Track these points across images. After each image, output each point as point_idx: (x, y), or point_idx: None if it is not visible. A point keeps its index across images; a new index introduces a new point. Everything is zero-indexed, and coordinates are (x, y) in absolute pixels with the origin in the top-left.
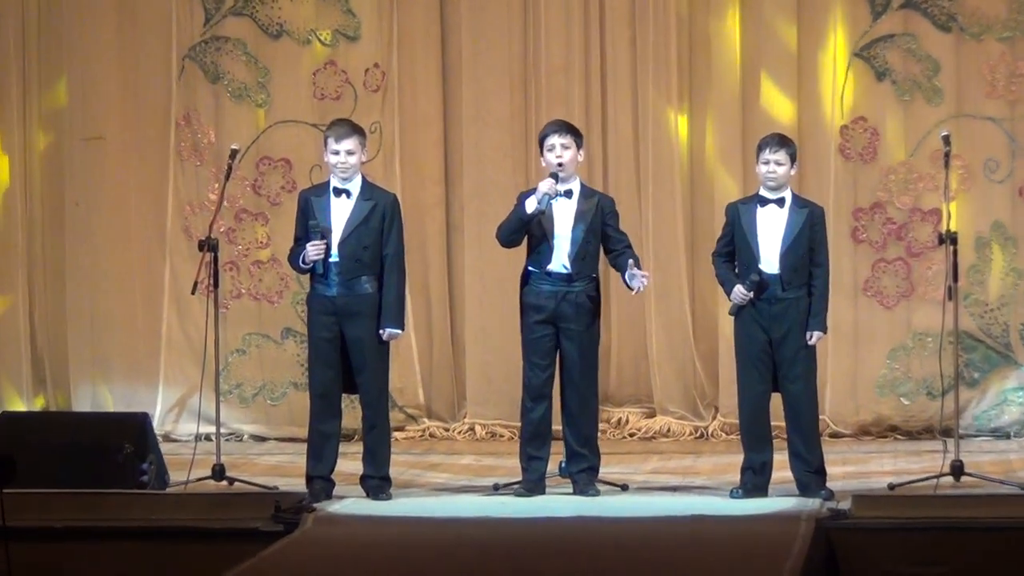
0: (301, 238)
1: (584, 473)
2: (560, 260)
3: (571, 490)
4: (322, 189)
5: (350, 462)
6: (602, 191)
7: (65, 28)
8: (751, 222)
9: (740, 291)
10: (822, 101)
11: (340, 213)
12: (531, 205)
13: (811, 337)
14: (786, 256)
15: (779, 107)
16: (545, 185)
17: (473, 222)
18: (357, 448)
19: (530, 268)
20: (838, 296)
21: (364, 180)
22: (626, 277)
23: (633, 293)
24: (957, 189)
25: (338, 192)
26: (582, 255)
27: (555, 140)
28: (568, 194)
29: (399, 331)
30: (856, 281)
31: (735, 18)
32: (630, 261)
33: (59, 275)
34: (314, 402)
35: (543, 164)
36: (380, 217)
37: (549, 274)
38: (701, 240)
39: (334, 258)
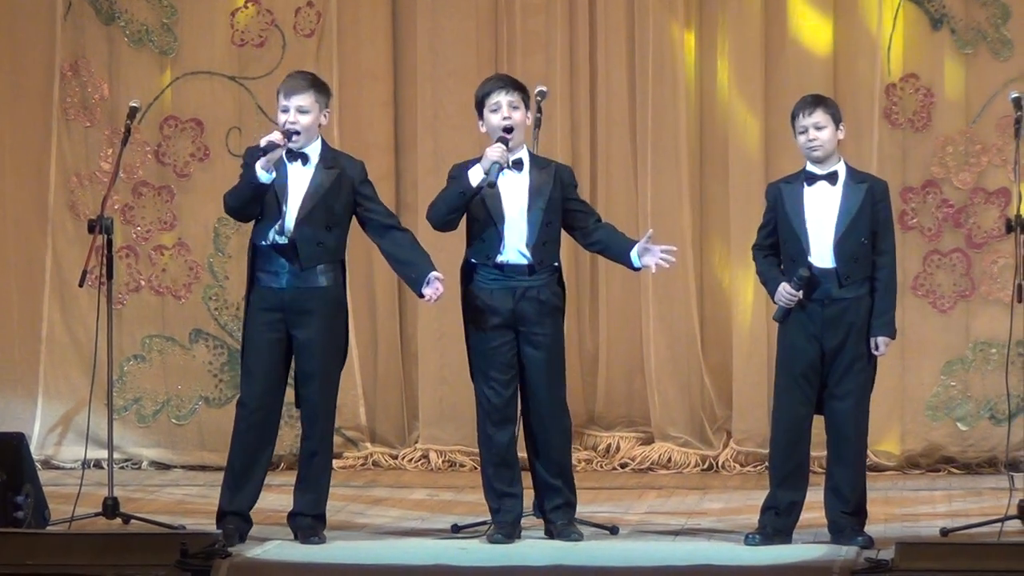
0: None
1: (560, 511)
2: (515, 248)
3: (547, 533)
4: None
5: (274, 495)
6: (587, 161)
7: None
8: (796, 205)
9: (786, 291)
10: (864, 54)
11: (298, 182)
12: (476, 176)
13: (876, 345)
14: (842, 245)
15: (813, 34)
16: (495, 152)
17: (429, 199)
18: (283, 479)
19: (474, 260)
20: None
21: (325, 145)
22: (632, 254)
23: (652, 270)
24: None
25: (292, 156)
26: (543, 240)
27: (501, 98)
28: (518, 166)
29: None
30: (904, 277)
31: None
32: (650, 232)
33: None
34: (243, 421)
35: (482, 129)
36: (349, 189)
37: (501, 267)
38: (713, 223)
39: (283, 239)
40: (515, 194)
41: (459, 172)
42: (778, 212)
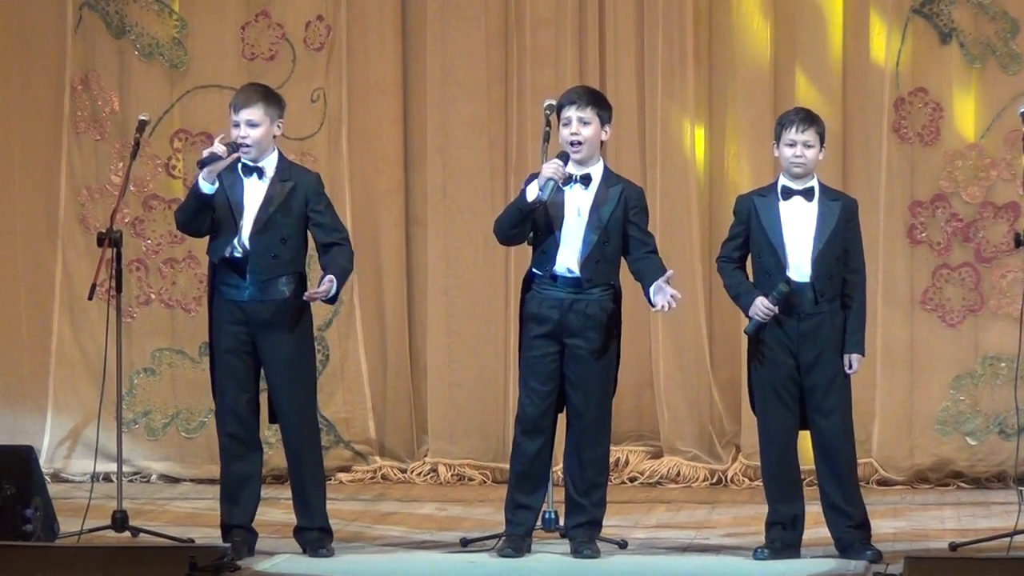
0: None
1: (581, 528)
2: (566, 262)
3: (557, 547)
4: (232, 165)
5: (282, 509)
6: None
7: None
8: (773, 219)
9: (763, 305)
10: (872, 68)
11: (253, 196)
12: (532, 192)
13: (850, 363)
14: (820, 260)
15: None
16: (550, 168)
17: (438, 214)
18: (289, 493)
19: (534, 270)
20: (890, 310)
21: (281, 158)
22: (650, 289)
23: (655, 310)
24: None
25: (248, 170)
26: (595, 258)
27: (572, 113)
28: (585, 181)
29: (334, 289)
30: (913, 292)
31: None
32: (669, 273)
33: None
34: (222, 433)
35: (560, 141)
36: (302, 202)
37: (554, 278)
38: (722, 238)
39: (238, 251)
40: (576, 208)
41: (528, 182)
42: (752, 225)
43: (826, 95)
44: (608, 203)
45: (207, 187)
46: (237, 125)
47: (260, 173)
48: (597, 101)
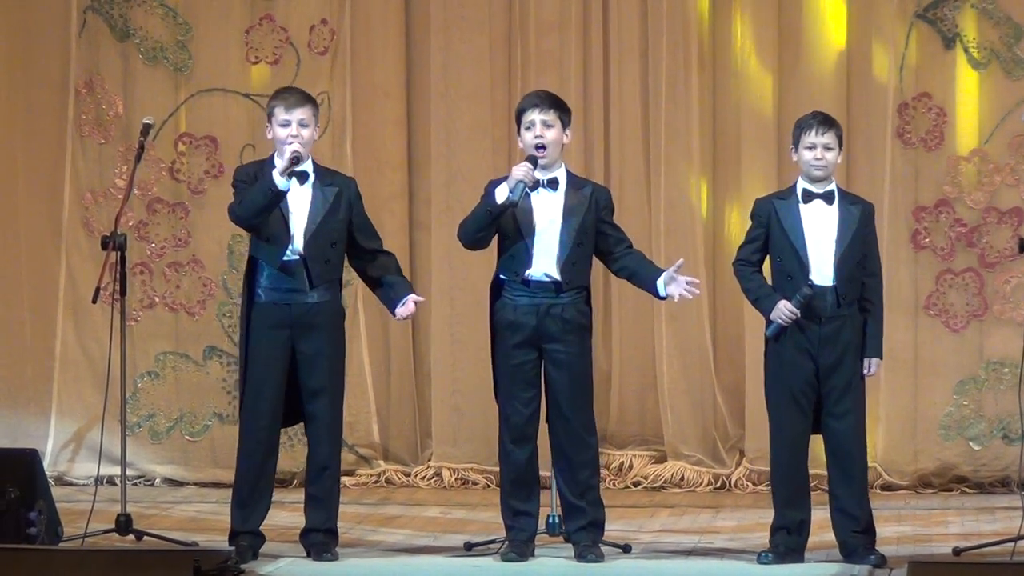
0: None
1: (584, 531)
2: (543, 267)
3: (563, 551)
4: (268, 166)
5: (285, 512)
6: (601, 179)
7: None
8: (795, 222)
9: (787, 308)
10: (876, 73)
11: (299, 200)
12: (502, 194)
13: (869, 366)
14: (842, 263)
15: (827, 54)
16: (520, 170)
17: (442, 218)
18: (296, 496)
19: (502, 276)
20: (894, 315)
21: (315, 162)
22: (659, 282)
23: (675, 299)
24: None
25: (289, 174)
26: (573, 260)
27: (535, 116)
28: (552, 184)
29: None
30: (916, 297)
31: None
32: (679, 263)
33: None
34: (251, 438)
35: (520, 145)
36: (347, 206)
37: (528, 283)
38: (726, 242)
39: (291, 256)
40: (547, 212)
41: (491, 188)
42: (772, 228)
43: (830, 100)
44: (581, 205)
45: (284, 184)
46: (287, 124)
47: (303, 176)
48: (559, 104)
